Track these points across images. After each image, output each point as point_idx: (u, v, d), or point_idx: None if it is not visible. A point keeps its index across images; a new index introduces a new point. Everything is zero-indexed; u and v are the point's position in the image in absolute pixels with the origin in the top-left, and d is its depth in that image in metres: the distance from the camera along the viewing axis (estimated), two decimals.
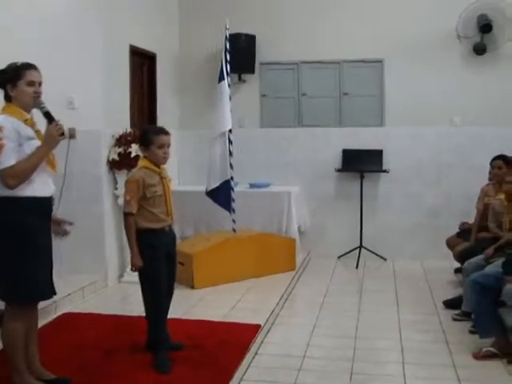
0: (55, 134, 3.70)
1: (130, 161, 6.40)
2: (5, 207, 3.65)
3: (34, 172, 3.66)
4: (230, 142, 7.11)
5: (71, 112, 6.28)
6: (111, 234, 6.64)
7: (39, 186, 3.71)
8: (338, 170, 8.17)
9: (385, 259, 8.06)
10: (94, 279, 6.30)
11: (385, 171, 7.96)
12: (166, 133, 4.41)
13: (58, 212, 5.89)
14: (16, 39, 6.04)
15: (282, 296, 6.25)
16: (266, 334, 5.24)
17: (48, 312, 5.37)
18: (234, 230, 7.18)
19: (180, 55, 8.69)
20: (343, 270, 7.74)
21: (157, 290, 4.38)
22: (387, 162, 8.08)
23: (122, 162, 6.46)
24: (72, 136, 6.30)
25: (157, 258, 4.34)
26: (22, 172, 3.59)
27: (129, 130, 6.72)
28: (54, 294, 4.00)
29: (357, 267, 7.73)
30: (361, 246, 8.00)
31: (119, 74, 6.89)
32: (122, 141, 6.51)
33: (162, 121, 7.56)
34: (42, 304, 5.07)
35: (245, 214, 7.46)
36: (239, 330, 5.08)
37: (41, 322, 5.14)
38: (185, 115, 8.70)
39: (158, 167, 4.41)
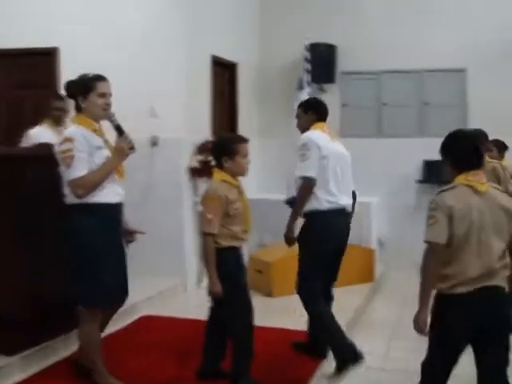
0: (125, 148, 3.81)
1: (210, 169, 6.50)
2: (75, 213, 3.76)
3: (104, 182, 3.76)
4: None
5: (154, 120, 6.44)
6: (191, 239, 6.75)
7: (108, 192, 3.80)
8: (419, 182, 8.03)
9: None
10: (173, 283, 6.42)
11: None
12: (248, 141, 4.08)
13: (140, 217, 6.09)
14: (100, 50, 6.27)
15: (359, 307, 6.19)
16: None
17: (127, 314, 5.49)
18: None
19: (261, 64, 8.76)
20: None
21: (248, 315, 4.03)
22: None
23: (202, 170, 6.58)
24: (154, 143, 6.46)
25: (241, 278, 4.01)
26: (91, 183, 3.69)
27: (210, 138, 6.84)
28: (126, 297, 4.07)
29: None
30: None
31: (201, 83, 7.02)
32: (203, 148, 6.63)
33: (242, 129, 7.66)
34: None
35: None
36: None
37: (119, 324, 5.31)
38: (265, 124, 8.75)
39: (236, 180, 4.04)
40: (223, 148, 3.99)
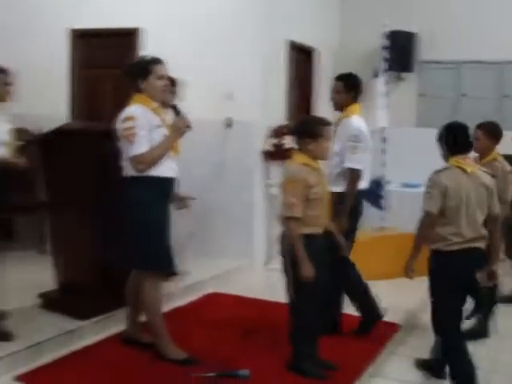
0: (182, 126, 4.01)
1: (283, 152, 6.58)
2: (133, 185, 3.97)
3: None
4: (384, 139, 7.10)
5: (230, 103, 6.55)
6: (260, 221, 6.84)
7: (164, 167, 3.99)
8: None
9: None
10: (240, 263, 6.52)
11: None
12: (331, 124, 4.05)
13: (211, 197, 6.25)
14: (179, 34, 6.42)
15: (425, 298, 6.14)
16: (405, 334, 5.21)
17: (193, 290, 5.67)
18: (382, 228, 7.15)
19: (339, 51, 8.72)
20: None
21: (315, 301, 3.97)
22: None
23: (275, 154, 6.65)
24: (229, 125, 6.58)
25: (319, 266, 3.83)
26: (152, 159, 3.90)
27: (284, 122, 6.90)
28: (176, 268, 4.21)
29: None
30: None
31: (277, 68, 7.07)
32: (278, 132, 6.70)
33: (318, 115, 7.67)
34: (187, 282, 5.40)
35: (394, 213, 7.38)
36: (377, 327, 5.06)
37: (185, 300, 5.48)
38: None
39: (316, 163, 3.94)
40: (307, 129, 3.91)
